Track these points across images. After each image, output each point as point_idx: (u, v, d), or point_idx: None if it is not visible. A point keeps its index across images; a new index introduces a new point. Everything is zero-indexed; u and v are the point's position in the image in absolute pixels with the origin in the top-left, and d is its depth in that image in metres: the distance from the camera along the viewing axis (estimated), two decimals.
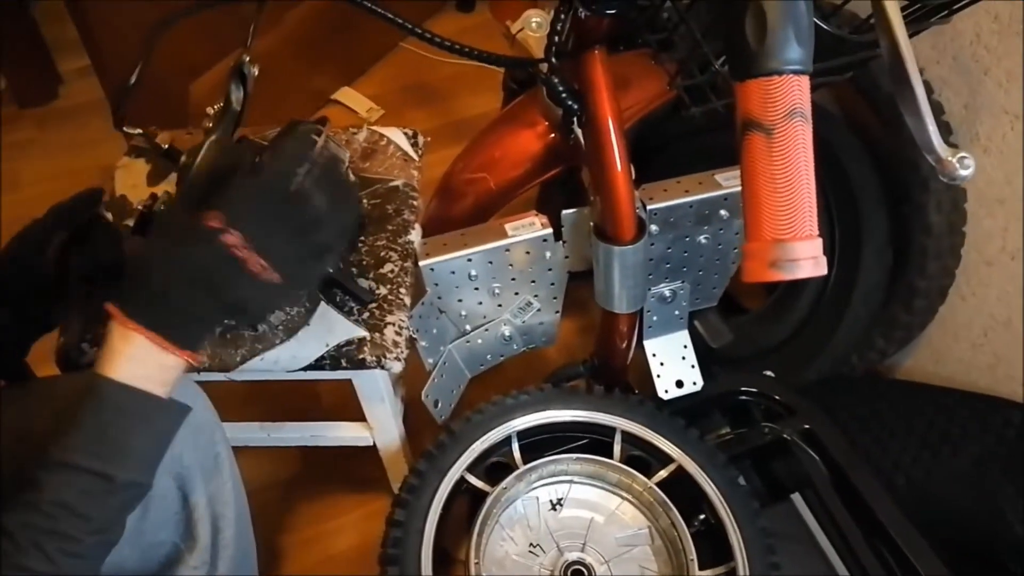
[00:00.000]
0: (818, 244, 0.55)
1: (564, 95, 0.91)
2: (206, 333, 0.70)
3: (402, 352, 0.94)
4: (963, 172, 0.63)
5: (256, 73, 0.85)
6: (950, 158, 0.63)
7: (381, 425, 1.10)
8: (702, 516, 1.06)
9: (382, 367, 0.94)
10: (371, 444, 1.13)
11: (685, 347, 1.22)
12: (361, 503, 1.38)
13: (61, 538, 0.61)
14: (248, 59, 0.85)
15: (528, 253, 1.06)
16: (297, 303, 0.96)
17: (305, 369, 0.94)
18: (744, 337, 1.44)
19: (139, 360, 0.65)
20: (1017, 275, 1.17)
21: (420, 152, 1.16)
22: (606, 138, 0.92)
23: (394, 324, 0.96)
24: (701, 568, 1.00)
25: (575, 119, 0.95)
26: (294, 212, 0.68)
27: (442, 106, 2.19)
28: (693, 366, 1.21)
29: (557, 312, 1.14)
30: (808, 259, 0.54)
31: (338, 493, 1.40)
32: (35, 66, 2.20)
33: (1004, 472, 1.15)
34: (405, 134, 1.16)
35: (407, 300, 0.99)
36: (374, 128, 1.17)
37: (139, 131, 0.90)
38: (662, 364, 1.21)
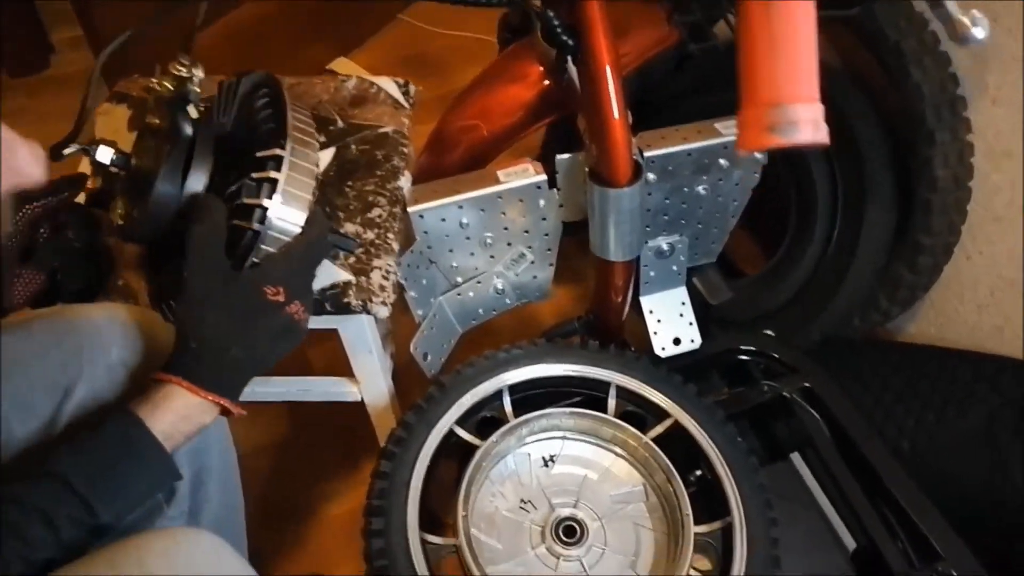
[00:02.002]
0: (819, 109, 0.52)
1: (559, 29, 0.88)
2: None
3: (389, 296, 0.91)
4: (977, 33, 0.59)
5: (202, 75, 0.77)
6: (963, 17, 0.59)
7: (368, 379, 1.06)
8: (698, 472, 1.03)
9: (367, 311, 0.91)
10: (359, 399, 1.10)
11: (683, 304, 1.18)
12: (355, 468, 1.35)
13: (23, 542, 0.60)
14: (185, 63, 0.79)
15: (521, 201, 1.03)
16: None
17: None
18: (744, 301, 1.41)
19: (187, 420, 0.68)
20: None
21: (411, 101, 1.13)
22: (601, 75, 0.89)
23: (381, 268, 0.93)
24: (697, 524, 0.97)
25: (570, 57, 0.92)
26: (315, 269, 0.77)
27: (439, 77, 2.15)
28: (691, 324, 1.18)
29: (551, 265, 1.11)
30: (808, 121, 0.50)
31: (332, 458, 1.37)
32: (27, 36, 2.18)
33: (1013, 433, 1.11)
34: (396, 83, 1.13)
35: (395, 246, 0.96)
36: (364, 77, 1.14)
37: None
38: (659, 321, 1.18)
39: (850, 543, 1.05)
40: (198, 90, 0.74)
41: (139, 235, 0.75)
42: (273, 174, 0.69)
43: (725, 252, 1.49)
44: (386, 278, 0.92)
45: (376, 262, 0.93)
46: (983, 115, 1.13)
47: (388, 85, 1.12)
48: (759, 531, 0.96)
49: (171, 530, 0.67)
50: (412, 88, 1.14)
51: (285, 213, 0.71)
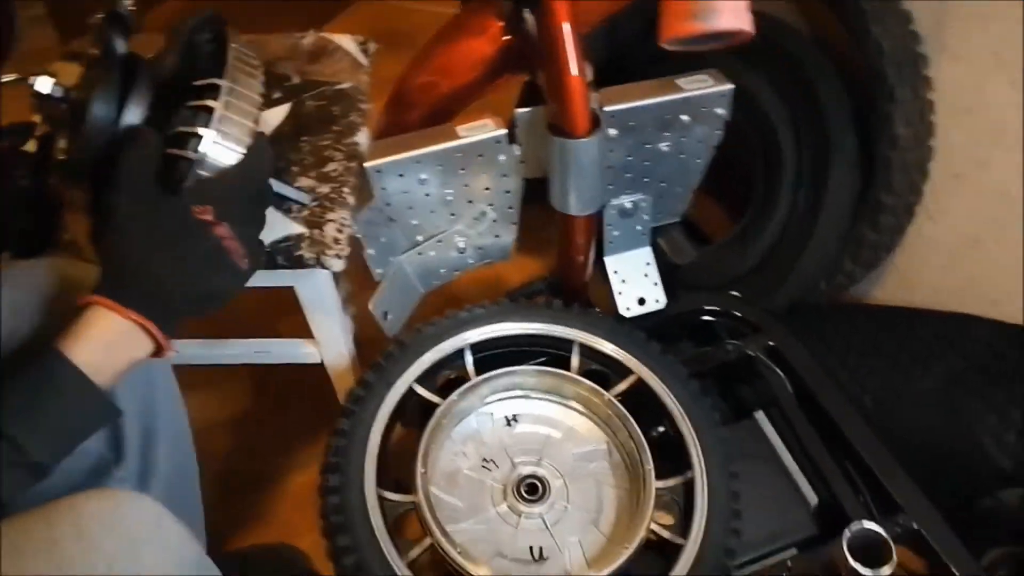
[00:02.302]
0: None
1: None
2: (182, 321, 0.71)
3: (343, 249, 0.90)
4: None
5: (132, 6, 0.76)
6: None
7: (328, 339, 1.05)
8: (661, 429, 1.03)
9: (321, 265, 0.89)
10: (319, 361, 1.08)
11: (648, 264, 1.18)
12: (316, 438, 1.34)
13: None
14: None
15: (481, 156, 1.02)
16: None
17: None
18: (711, 267, 1.41)
19: (113, 348, 0.66)
20: (987, 188, 1.14)
21: (370, 59, 1.11)
22: (556, 21, 0.88)
23: (335, 221, 0.91)
24: (659, 480, 0.96)
25: (527, 8, 0.91)
26: (262, 208, 0.75)
27: (411, 53, 2.13)
28: (656, 284, 1.18)
29: (514, 224, 1.10)
30: (729, 7, 0.49)
31: (293, 429, 1.36)
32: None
33: (973, 389, 1.12)
34: (355, 40, 1.12)
35: (350, 200, 0.94)
36: (322, 34, 1.12)
37: None
38: (624, 281, 1.17)
39: (812, 498, 1.05)
40: (131, 9, 0.72)
41: (74, 166, 0.72)
42: (210, 102, 0.68)
43: (692, 219, 1.50)
44: (340, 231, 0.91)
45: (330, 215, 0.92)
46: (944, 72, 1.14)
47: (346, 42, 1.10)
48: (720, 485, 0.96)
49: (111, 491, 0.64)
50: (371, 46, 1.12)
51: (223, 141, 0.69)
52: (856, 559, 0.60)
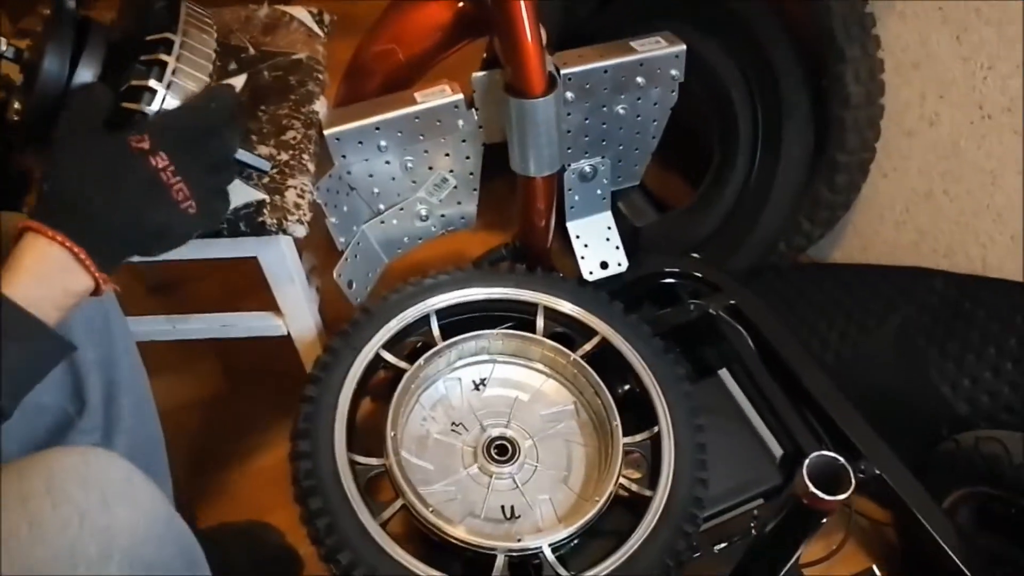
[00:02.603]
0: None
1: None
2: (121, 258, 0.69)
3: (304, 215, 0.90)
4: None
5: None
6: None
7: (293, 310, 1.05)
8: (627, 387, 1.04)
9: (284, 231, 0.89)
10: (284, 333, 1.08)
11: (609, 228, 1.19)
12: (285, 417, 1.32)
13: None
14: None
15: (439, 122, 1.02)
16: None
17: (201, 237, 0.89)
18: (671, 233, 1.43)
19: (45, 279, 0.64)
20: (937, 142, 1.17)
21: (326, 29, 1.10)
22: None
23: (296, 188, 0.91)
24: (625, 436, 0.98)
25: None
26: (213, 149, 0.70)
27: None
28: (618, 247, 1.19)
29: (475, 191, 1.10)
30: None
31: (262, 410, 1.35)
32: None
33: (929, 339, 1.15)
34: (310, 12, 1.11)
35: (311, 166, 0.94)
36: (276, 7, 1.11)
37: None
38: (586, 246, 1.18)
39: (777, 450, 1.07)
40: None
41: (28, 126, 0.72)
42: (163, 56, 0.67)
43: (652, 190, 1.52)
44: (301, 196, 0.91)
45: (291, 182, 0.92)
46: (891, 30, 1.16)
47: (301, 14, 1.10)
48: (686, 437, 0.97)
49: (83, 448, 0.63)
50: (327, 17, 1.12)
51: (176, 95, 0.69)
52: (816, 487, 0.62)
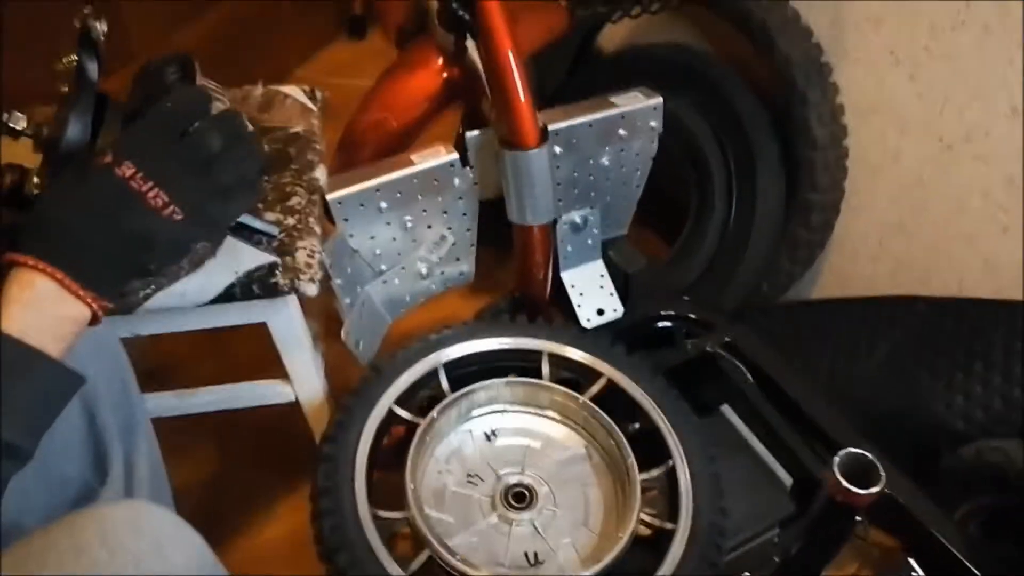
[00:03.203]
0: None
1: (455, 5, 0.93)
2: (115, 279, 0.67)
3: (316, 274, 0.92)
4: None
5: (105, 30, 0.78)
6: None
7: (301, 376, 1.06)
8: (636, 425, 1.06)
9: (296, 290, 0.91)
10: (292, 400, 1.08)
11: (602, 276, 1.23)
12: (290, 489, 1.32)
13: None
14: (89, 12, 0.81)
15: (437, 182, 1.06)
16: (215, 245, 0.92)
17: (215, 302, 0.91)
18: (656, 284, 1.46)
19: (35, 308, 0.61)
20: (902, 177, 1.24)
21: (319, 105, 1.15)
22: (502, 49, 0.94)
23: (305, 248, 0.94)
24: (641, 472, 0.99)
25: (468, 33, 0.97)
26: (189, 150, 0.67)
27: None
28: (612, 294, 1.23)
29: (472, 246, 1.14)
30: None
31: (262, 485, 1.34)
32: None
33: (918, 361, 1.19)
34: (303, 90, 1.16)
35: (317, 229, 0.97)
36: (270, 87, 1.16)
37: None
38: (581, 295, 1.21)
39: (787, 479, 1.09)
40: (103, 32, 0.74)
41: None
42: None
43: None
44: (311, 256, 0.93)
45: (300, 243, 0.94)
46: (847, 76, 1.24)
47: (294, 91, 1.15)
48: (701, 468, 0.99)
49: (128, 501, 0.63)
50: (319, 93, 1.16)
51: None
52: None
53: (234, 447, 1.39)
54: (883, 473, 0.64)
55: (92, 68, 0.72)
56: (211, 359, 1.48)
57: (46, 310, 0.62)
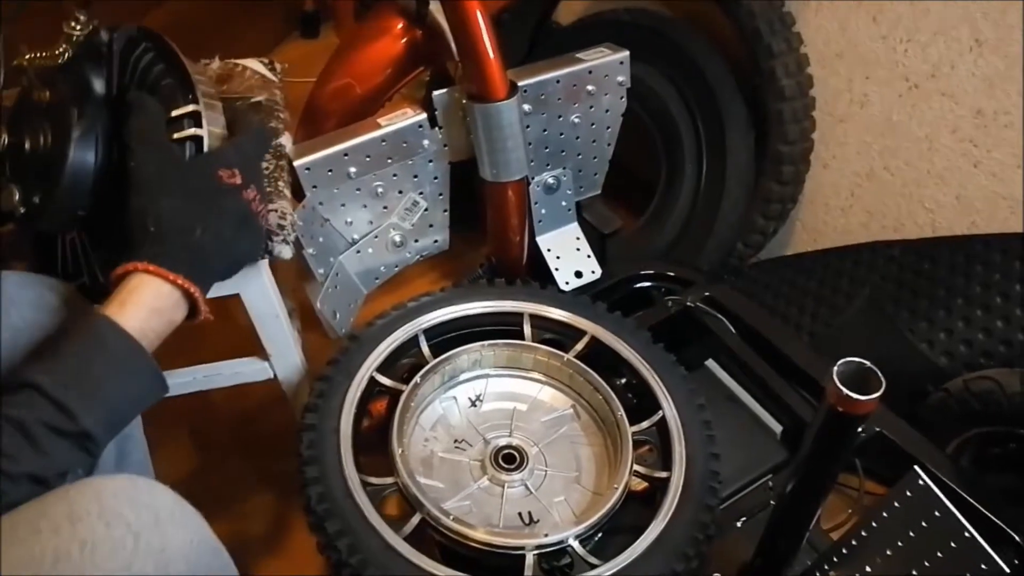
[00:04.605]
0: None
1: None
2: (213, 283, 0.73)
3: (288, 235, 0.89)
4: None
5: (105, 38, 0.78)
6: None
7: (279, 350, 1.02)
8: (623, 380, 1.04)
9: (271, 253, 0.88)
10: (271, 376, 1.05)
11: (578, 239, 1.22)
12: (271, 479, 1.28)
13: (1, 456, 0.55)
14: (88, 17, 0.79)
15: (406, 144, 1.04)
16: None
17: None
18: (632, 248, 1.45)
19: (160, 314, 0.65)
20: (870, 122, 1.24)
21: (279, 76, 1.12)
22: (468, 4, 0.92)
23: (276, 211, 0.91)
24: (631, 425, 0.97)
25: None
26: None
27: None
28: (589, 256, 1.21)
29: (445, 211, 1.12)
30: None
31: (240, 480, 1.30)
32: None
33: (897, 303, 1.19)
34: (261, 62, 1.13)
35: (287, 192, 0.94)
36: (227, 61, 1.13)
37: None
38: (558, 258, 1.20)
39: (776, 427, 1.08)
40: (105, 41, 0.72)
41: (54, 217, 0.72)
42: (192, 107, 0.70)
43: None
44: (283, 218, 0.90)
45: (270, 206, 0.91)
46: (811, 25, 1.24)
47: (253, 64, 1.11)
48: (691, 416, 0.98)
49: (130, 476, 0.59)
50: (279, 66, 1.13)
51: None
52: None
53: (212, 440, 1.35)
54: (883, 379, 0.63)
55: (97, 85, 0.70)
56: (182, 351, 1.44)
57: (167, 317, 0.66)
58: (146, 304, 0.64)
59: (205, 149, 0.76)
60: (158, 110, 0.72)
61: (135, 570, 0.53)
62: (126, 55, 0.78)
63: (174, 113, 0.72)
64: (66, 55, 0.75)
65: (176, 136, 0.72)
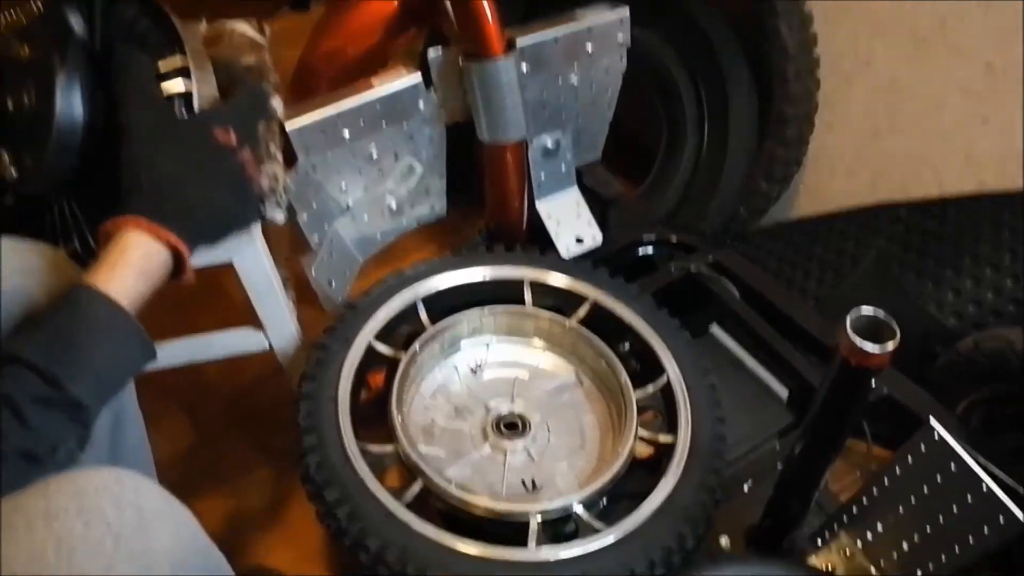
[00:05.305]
0: None
1: None
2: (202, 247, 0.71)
3: (280, 199, 0.86)
4: None
5: None
6: None
7: (273, 320, 1.00)
8: (627, 345, 1.02)
9: (263, 218, 0.86)
10: (266, 347, 1.03)
11: (578, 204, 1.19)
12: (268, 454, 1.27)
13: None
14: None
15: (400, 106, 1.01)
16: None
17: None
18: (635, 214, 1.43)
19: (148, 276, 0.63)
20: (876, 81, 1.21)
21: (266, 39, 1.09)
22: None
23: (268, 175, 0.88)
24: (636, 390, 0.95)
25: None
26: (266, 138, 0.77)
27: None
28: (590, 222, 1.19)
29: (442, 177, 1.09)
30: None
31: (237, 456, 1.28)
32: None
33: (903, 264, 1.17)
34: (248, 23, 1.10)
35: (278, 156, 0.91)
36: (215, 23, 1.10)
37: None
38: (559, 223, 1.17)
39: (782, 391, 1.06)
40: None
41: (45, 177, 0.69)
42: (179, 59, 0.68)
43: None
44: (275, 181, 0.87)
45: (261, 168, 0.88)
46: None
47: (241, 26, 1.08)
48: (696, 380, 0.96)
49: (111, 468, 0.56)
50: (267, 28, 1.10)
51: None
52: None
53: (209, 416, 1.33)
54: (897, 330, 0.61)
55: (76, 26, 0.67)
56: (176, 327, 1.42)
57: (154, 279, 0.64)
58: (135, 266, 0.62)
59: (195, 108, 0.74)
60: (149, 65, 0.69)
61: (114, 573, 0.50)
62: (109, 6, 0.75)
63: (162, 68, 0.69)
64: (40, 3, 0.72)
65: (165, 92, 0.70)
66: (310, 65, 1.10)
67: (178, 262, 0.66)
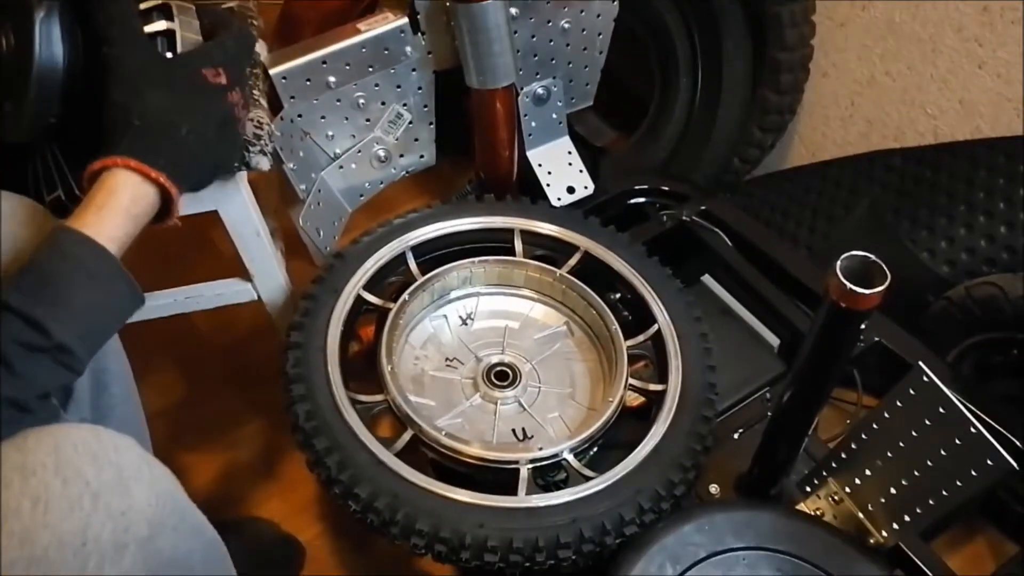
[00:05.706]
0: None
1: None
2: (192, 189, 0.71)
3: (266, 145, 0.85)
4: None
5: None
6: None
7: (261, 269, 0.99)
8: (617, 295, 1.02)
9: (247, 165, 0.84)
10: (255, 298, 1.02)
11: (570, 153, 1.17)
12: (259, 410, 1.27)
13: None
14: None
15: (387, 51, 0.99)
16: None
17: None
18: (627, 164, 1.41)
19: (136, 219, 0.62)
20: (871, 25, 1.19)
21: None
22: None
23: (252, 120, 0.86)
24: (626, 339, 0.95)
25: None
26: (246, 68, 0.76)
27: None
28: (581, 171, 1.17)
29: (431, 124, 1.07)
30: None
31: (229, 410, 1.27)
32: None
33: (897, 212, 1.16)
34: None
35: (263, 101, 0.89)
36: None
37: None
38: (550, 173, 1.16)
39: (774, 340, 1.06)
40: None
41: (28, 123, 0.67)
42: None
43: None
44: (260, 128, 0.85)
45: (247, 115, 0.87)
46: None
47: None
48: (687, 329, 0.95)
49: (91, 425, 0.55)
50: None
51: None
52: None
53: (200, 371, 1.33)
54: (887, 272, 0.60)
55: None
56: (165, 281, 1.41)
57: (142, 221, 0.62)
58: (124, 209, 0.61)
59: (178, 48, 0.72)
60: (131, 2, 0.67)
61: (91, 532, 0.49)
62: None
63: (143, 5, 0.67)
64: None
65: (147, 30, 0.68)
66: (295, 9, 1.07)
67: (165, 205, 0.64)
